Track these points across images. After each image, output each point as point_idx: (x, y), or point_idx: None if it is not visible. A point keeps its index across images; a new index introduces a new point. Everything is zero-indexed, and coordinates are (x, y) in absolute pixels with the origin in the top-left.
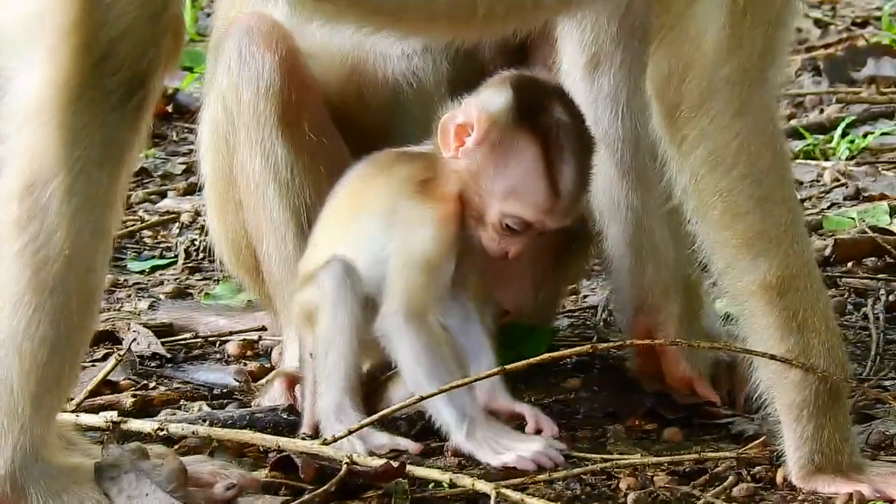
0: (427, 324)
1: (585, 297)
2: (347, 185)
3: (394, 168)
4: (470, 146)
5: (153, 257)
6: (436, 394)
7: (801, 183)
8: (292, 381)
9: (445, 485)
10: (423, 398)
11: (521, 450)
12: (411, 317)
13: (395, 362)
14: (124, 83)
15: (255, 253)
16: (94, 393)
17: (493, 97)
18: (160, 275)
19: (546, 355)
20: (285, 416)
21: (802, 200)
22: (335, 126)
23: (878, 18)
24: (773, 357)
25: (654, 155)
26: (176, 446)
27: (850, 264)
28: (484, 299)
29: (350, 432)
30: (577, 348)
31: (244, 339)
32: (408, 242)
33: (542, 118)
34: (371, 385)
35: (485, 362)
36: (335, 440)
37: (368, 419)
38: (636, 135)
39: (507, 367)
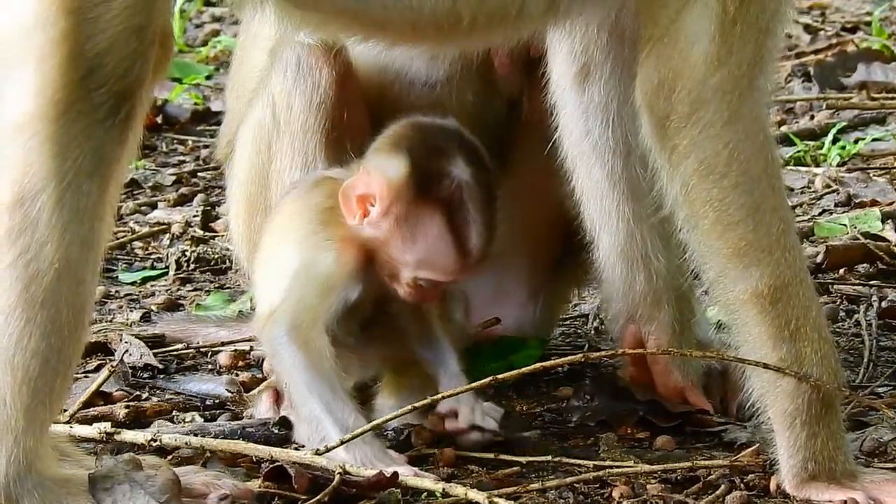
0: (311, 339)
1: (576, 305)
2: (277, 213)
3: (309, 194)
4: (374, 217)
5: (144, 268)
6: (435, 401)
7: (792, 190)
8: (279, 394)
9: (438, 494)
10: (415, 408)
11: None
12: (295, 333)
13: (278, 373)
14: (112, 96)
15: None
16: (87, 404)
17: (390, 164)
18: (151, 286)
19: (537, 365)
20: (276, 431)
21: (794, 207)
22: None
23: (868, 24)
24: (765, 366)
25: (645, 164)
26: (169, 457)
27: (842, 271)
28: (448, 316)
29: (342, 442)
30: (569, 357)
31: (236, 350)
32: (309, 264)
33: (444, 185)
34: (361, 396)
35: (454, 383)
36: (328, 450)
37: (360, 430)
38: (627, 144)
39: (499, 376)
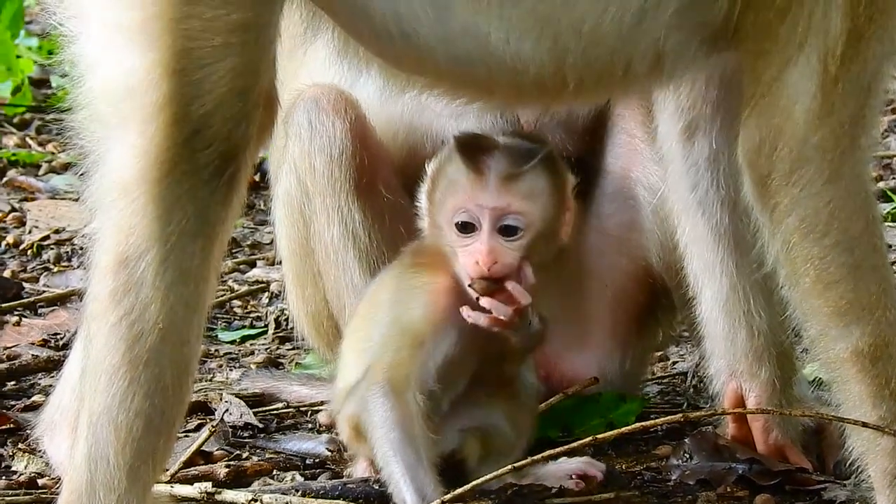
0: (404, 400)
1: (675, 363)
2: (368, 295)
3: (397, 264)
4: (423, 197)
5: (243, 327)
6: (534, 461)
7: (890, 246)
8: None
9: None
10: (514, 468)
11: None
12: (390, 391)
13: (367, 429)
14: (217, 157)
15: (336, 325)
16: (188, 463)
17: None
18: (251, 345)
19: (636, 424)
20: (377, 487)
21: (892, 264)
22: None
23: None
24: (865, 424)
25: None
26: None
27: None
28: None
29: (443, 503)
30: (668, 417)
31: None
32: (399, 316)
33: (473, 142)
34: (458, 456)
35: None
36: None
37: (460, 489)
38: (732, 198)
39: (598, 436)
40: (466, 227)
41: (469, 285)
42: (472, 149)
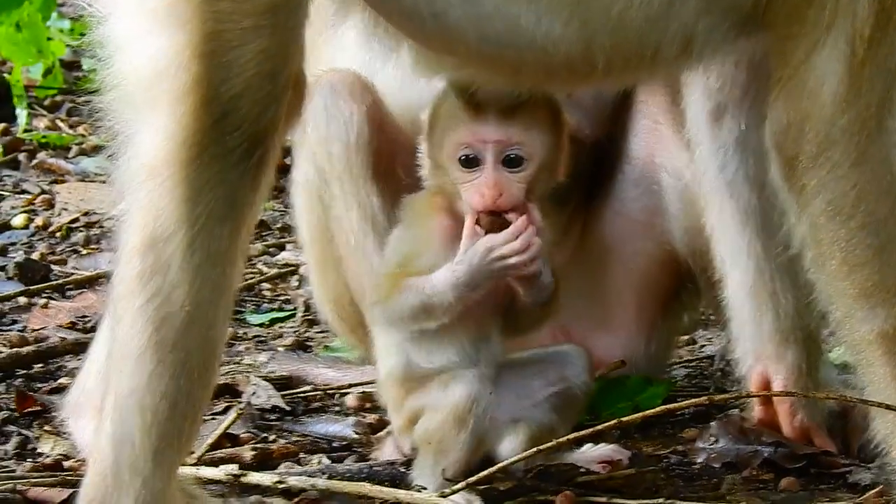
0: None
1: (702, 347)
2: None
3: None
4: (422, 141)
5: (272, 310)
6: (560, 444)
7: None
8: None
9: None
10: (540, 450)
11: None
12: (375, 304)
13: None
14: (245, 140)
15: (358, 310)
16: (214, 446)
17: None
18: (279, 327)
19: (662, 407)
20: (403, 470)
21: None
22: None
23: None
24: (889, 407)
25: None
26: (296, 499)
27: None
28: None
29: (467, 485)
30: (694, 400)
31: (363, 392)
32: (403, 264)
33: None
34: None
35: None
36: (453, 492)
37: (486, 471)
38: (761, 180)
39: (624, 419)
40: (470, 163)
41: (476, 222)
42: (468, 86)
